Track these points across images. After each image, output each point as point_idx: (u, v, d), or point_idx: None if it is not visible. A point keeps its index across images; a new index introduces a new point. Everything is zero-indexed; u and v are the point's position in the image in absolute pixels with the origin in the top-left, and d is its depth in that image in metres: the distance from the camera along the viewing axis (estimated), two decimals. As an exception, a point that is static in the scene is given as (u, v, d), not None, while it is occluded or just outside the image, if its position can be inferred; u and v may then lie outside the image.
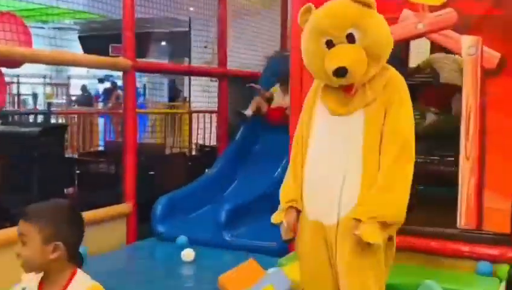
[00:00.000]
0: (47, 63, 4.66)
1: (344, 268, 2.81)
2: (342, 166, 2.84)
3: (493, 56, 3.46)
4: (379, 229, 2.67)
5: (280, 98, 5.99)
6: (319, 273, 2.96)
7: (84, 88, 14.03)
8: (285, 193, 3.04)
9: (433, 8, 3.61)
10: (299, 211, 2.96)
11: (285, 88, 5.49)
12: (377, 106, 2.82)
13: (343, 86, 2.84)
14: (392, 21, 3.70)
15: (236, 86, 6.33)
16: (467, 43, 3.52)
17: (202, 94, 8.43)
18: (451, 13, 3.53)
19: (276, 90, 6.09)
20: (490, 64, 3.47)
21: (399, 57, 5.28)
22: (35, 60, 4.18)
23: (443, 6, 3.58)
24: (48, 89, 14.61)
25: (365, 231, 2.64)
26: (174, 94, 13.55)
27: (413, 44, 5.09)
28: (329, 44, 2.80)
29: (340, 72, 2.71)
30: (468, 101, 3.56)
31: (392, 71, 2.97)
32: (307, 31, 2.91)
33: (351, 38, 2.76)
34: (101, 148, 8.87)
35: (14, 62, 4.00)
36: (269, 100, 6.10)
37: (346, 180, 2.81)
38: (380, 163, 2.80)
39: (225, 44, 6.14)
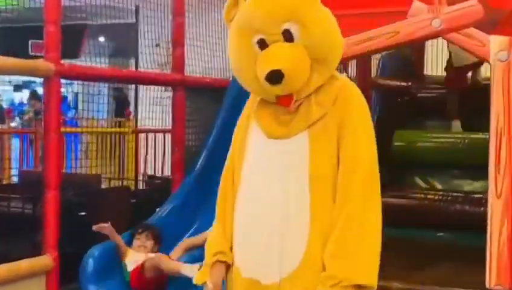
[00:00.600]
0: None
1: None
2: (283, 205, 2.83)
3: None
4: None
5: None
6: None
7: (-6, 100, 14.04)
8: (212, 243, 3.04)
9: (452, 0, 3.68)
10: (228, 266, 2.96)
11: None
12: (325, 125, 2.80)
13: (281, 99, 2.82)
14: (399, 15, 3.78)
15: (199, 98, 6.34)
16: (496, 45, 3.56)
17: (153, 108, 8.45)
18: (477, 6, 3.57)
19: None
20: None
21: (411, 63, 5.37)
22: None
23: (466, -3, 3.66)
24: None
25: None
26: (121, 107, 13.49)
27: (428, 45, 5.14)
28: (262, 44, 2.79)
29: (274, 76, 2.68)
30: (499, 121, 3.60)
31: (344, 81, 2.98)
32: (233, 29, 2.91)
33: (288, 36, 2.75)
34: (14, 180, 8.71)
35: None
36: None
37: (290, 224, 2.81)
38: (337, 203, 2.78)
39: (183, 42, 6.16)
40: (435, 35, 3.86)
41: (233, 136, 3.09)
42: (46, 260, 4.83)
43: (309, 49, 2.74)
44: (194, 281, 3.08)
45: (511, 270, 3.58)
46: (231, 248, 2.94)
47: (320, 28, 2.78)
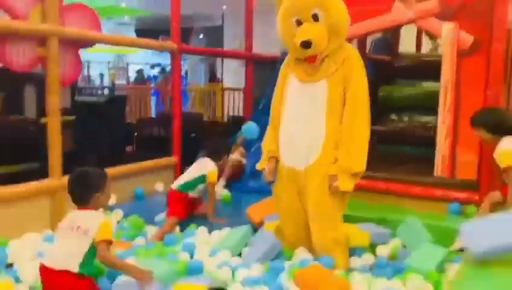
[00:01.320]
0: (112, 44, 4.70)
1: (311, 201, 2.92)
2: (309, 125, 2.92)
3: (467, 39, 3.45)
4: (350, 180, 2.81)
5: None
6: (291, 206, 3.06)
7: (139, 71, 14.15)
8: (266, 145, 3.12)
9: (420, 0, 3.62)
10: (277, 160, 3.05)
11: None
12: (337, 76, 2.87)
13: (309, 57, 2.89)
14: (385, 10, 3.74)
15: (261, 69, 6.23)
16: (446, 28, 3.51)
17: (233, 76, 8.46)
18: (435, 3, 3.54)
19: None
20: (464, 46, 3.47)
21: (389, 42, 5.31)
22: (103, 41, 4.24)
23: (428, -2, 3.58)
24: (111, 72, 14.88)
25: (341, 184, 2.79)
26: (211, 77, 13.58)
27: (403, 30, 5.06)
28: (298, 22, 2.86)
29: (306, 44, 2.78)
30: (446, 77, 3.56)
31: (350, 48, 3.03)
32: (280, 13, 2.94)
33: (315, 18, 2.82)
34: (153, 116, 8.85)
35: (87, 43, 4.11)
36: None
37: (312, 136, 2.90)
38: (343, 124, 2.86)
39: (251, 33, 6.10)
40: (409, 22, 3.78)
41: (276, 83, 3.16)
42: (173, 160, 4.94)
43: (328, 27, 2.82)
44: (257, 167, 3.20)
45: (450, 165, 3.60)
46: (278, 149, 3.05)
47: (336, 13, 2.86)
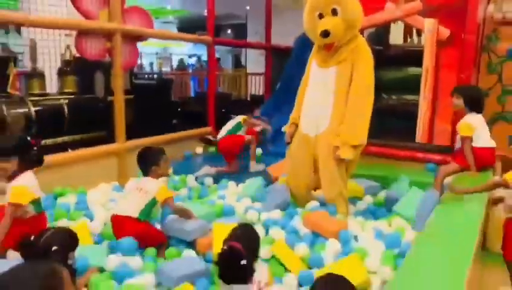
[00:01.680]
0: (161, 38, 4.67)
1: (321, 164, 2.89)
2: (321, 102, 2.86)
3: (445, 32, 3.41)
4: (350, 150, 2.74)
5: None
6: (300, 164, 3.03)
7: (181, 60, 14.09)
8: (292, 114, 3.08)
9: (407, 1, 3.55)
10: (297, 126, 3.02)
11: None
12: (347, 64, 2.78)
13: (327, 45, 2.80)
14: (379, 9, 3.69)
15: (277, 57, 6.09)
16: (427, 23, 3.47)
17: (255, 63, 8.35)
18: (419, 3, 3.48)
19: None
20: (442, 37, 3.42)
21: (382, 36, 5.17)
22: (154, 36, 4.22)
23: (414, -1, 3.49)
24: (159, 61, 14.86)
25: (342, 153, 2.73)
26: (237, 64, 13.50)
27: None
28: (320, 16, 2.78)
29: (325, 33, 2.70)
30: (427, 62, 3.52)
31: (361, 39, 2.90)
32: (306, 8, 2.87)
33: (334, 12, 2.73)
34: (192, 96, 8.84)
35: (143, 37, 4.10)
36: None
37: (323, 111, 2.85)
38: (348, 104, 2.77)
39: (270, 27, 5.99)
40: (398, 19, 3.73)
41: (306, 66, 3.07)
42: (208, 130, 4.83)
43: (344, 20, 2.72)
44: (282, 129, 3.14)
45: (428, 133, 3.59)
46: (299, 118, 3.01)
47: (352, 9, 2.76)
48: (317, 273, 2.05)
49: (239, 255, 1.80)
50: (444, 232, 2.02)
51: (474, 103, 2.95)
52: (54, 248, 1.81)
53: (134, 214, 2.41)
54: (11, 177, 2.14)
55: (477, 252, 1.96)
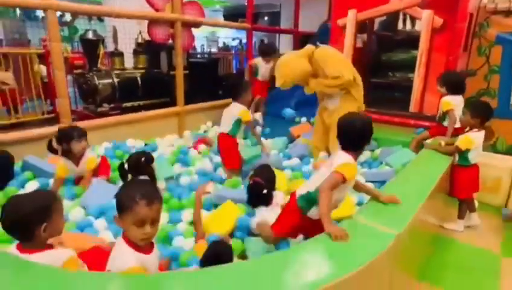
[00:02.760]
0: (210, 25, 4.72)
1: (331, 128, 3.01)
2: None
3: (439, 21, 3.36)
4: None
5: (263, 69, 4.39)
6: (318, 126, 3.21)
7: (225, 43, 14.10)
8: None
9: (408, -5, 3.49)
10: None
11: (268, 59, 4.29)
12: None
13: None
14: (386, 1, 3.64)
15: (304, 41, 5.98)
16: (425, 13, 3.43)
17: (286, 46, 8.23)
18: (417, -3, 3.44)
19: (258, 62, 4.43)
20: (437, 25, 3.39)
21: (391, 23, 5.06)
22: (205, 24, 4.22)
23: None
24: (208, 43, 14.90)
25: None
26: (266, 48, 13.08)
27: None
28: None
29: None
30: (422, 46, 3.48)
31: None
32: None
33: None
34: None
35: (197, 25, 4.16)
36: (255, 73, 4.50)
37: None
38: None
39: (298, 15, 5.88)
40: (401, 10, 3.65)
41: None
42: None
43: None
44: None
45: (420, 104, 3.56)
46: None
47: None
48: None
49: (261, 186, 1.94)
50: (412, 177, 2.13)
51: (455, 88, 2.91)
52: (142, 159, 2.15)
53: (226, 130, 2.77)
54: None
55: (436, 194, 2.01)
